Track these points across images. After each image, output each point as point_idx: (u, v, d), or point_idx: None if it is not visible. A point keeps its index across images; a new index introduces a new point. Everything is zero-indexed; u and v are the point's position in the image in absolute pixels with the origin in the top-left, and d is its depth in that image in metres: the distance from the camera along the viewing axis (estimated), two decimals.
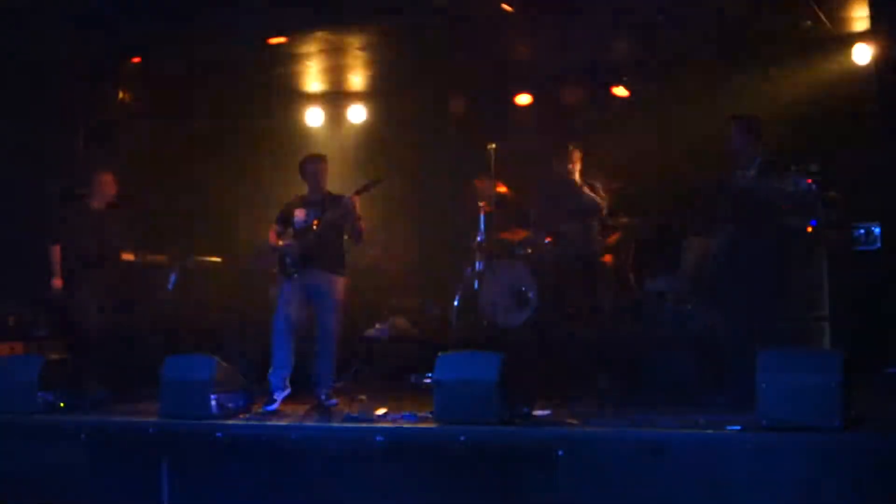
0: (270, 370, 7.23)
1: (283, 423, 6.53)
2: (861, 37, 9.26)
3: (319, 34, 9.30)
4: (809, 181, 8.51)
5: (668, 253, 9.19)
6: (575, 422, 5.86)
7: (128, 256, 8.86)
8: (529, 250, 9.43)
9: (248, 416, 6.59)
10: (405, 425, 6.05)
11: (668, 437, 5.31)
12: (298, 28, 8.99)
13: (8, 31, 8.41)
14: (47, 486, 6.42)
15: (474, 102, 10.71)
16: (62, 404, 6.97)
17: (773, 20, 8.81)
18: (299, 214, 7.51)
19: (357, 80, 10.91)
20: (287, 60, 10.09)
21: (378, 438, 5.76)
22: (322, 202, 7.51)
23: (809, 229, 8.41)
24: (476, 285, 9.52)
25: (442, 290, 10.07)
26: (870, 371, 7.50)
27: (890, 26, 8.90)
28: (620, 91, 10.20)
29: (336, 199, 7.48)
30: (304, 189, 7.67)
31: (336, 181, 7.81)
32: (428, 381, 7.55)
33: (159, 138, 10.11)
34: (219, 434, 6.14)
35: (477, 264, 9.68)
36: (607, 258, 8.92)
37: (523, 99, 10.63)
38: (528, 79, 10.44)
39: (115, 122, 9.98)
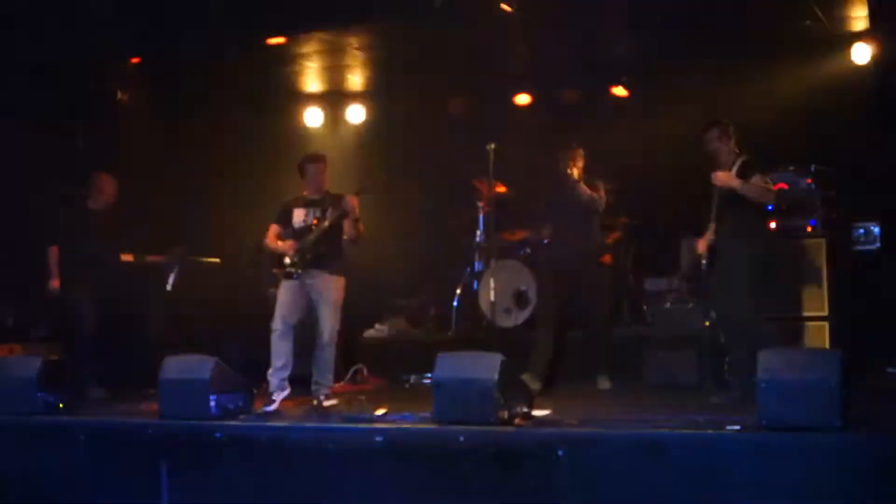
0: (270, 370, 7.22)
1: (282, 423, 6.51)
2: (860, 36, 9.27)
3: (318, 34, 9.30)
4: (809, 181, 8.54)
5: (668, 253, 9.21)
6: (575, 422, 5.85)
7: (127, 257, 8.86)
8: (529, 250, 9.44)
9: (247, 416, 6.58)
10: (405, 425, 6.03)
11: (668, 437, 5.29)
12: (298, 28, 9.00)
13: (8, 32, 8.40)
14: (47, 487, 6.40)
15: (474, 102, 10.72)
16: (62, 404, 6.95)
17: (773, 20, 8.81)
18: (299, 214, 7.50)
19: (356, 80, 10.91)
20: (286, 60, 10.09)
21: (377, 439, 5.74)
22: (322, 202, 7.50)
23: (809, 229, 8.44)
24: (476, 285, 9.53)
25: (442, 291, 10.09)
26: (870, 371, 7.51)
27: (889, 26, 8.92)
28: (620, 91, 10.22)
29: (336, 199, 7.47)
30: (303, 189, 7.66)
31: (336, 181, 7.79)
32: (427, 381, 7.56)
33: (159, 138, 10.11)
34: (218, 434, 6.12)
35: (477, 264, 9.70)
36: (607, 258, 8.92)
37: (523, 99, 10.64)
38: (527, 79, 10.45)
39: (115, 122, 9.99)
